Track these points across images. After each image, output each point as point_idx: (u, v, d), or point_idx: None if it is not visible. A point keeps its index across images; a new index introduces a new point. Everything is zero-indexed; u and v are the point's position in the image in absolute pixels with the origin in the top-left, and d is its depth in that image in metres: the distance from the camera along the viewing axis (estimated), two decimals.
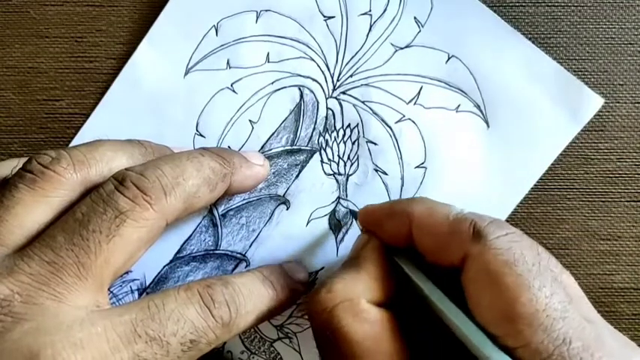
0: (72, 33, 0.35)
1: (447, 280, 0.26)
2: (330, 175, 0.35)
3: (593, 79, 0.35)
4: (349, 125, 0.35)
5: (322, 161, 0.35)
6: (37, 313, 0.24)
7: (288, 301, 0.31)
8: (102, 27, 0.35)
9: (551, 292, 0.23)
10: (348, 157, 0.35)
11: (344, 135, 0.35)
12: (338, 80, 0.35)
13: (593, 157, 0.35)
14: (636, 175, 0.35)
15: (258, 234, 0.35)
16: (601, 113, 0.34)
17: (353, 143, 0.35)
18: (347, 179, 0.35)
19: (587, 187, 0.35)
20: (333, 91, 0.35)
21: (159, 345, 0.25)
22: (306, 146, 0.35)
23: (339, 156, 0.35)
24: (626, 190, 0.35)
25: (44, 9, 0.35)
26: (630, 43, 0.35)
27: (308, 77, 0.35)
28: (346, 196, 0.35)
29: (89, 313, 0.25)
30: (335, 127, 0.35)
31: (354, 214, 0.34)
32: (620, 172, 0.35)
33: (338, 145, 0.35)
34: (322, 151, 0.35)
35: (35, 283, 0.25)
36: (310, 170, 0.35)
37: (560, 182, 0.35)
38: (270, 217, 0.35)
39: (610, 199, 0.35)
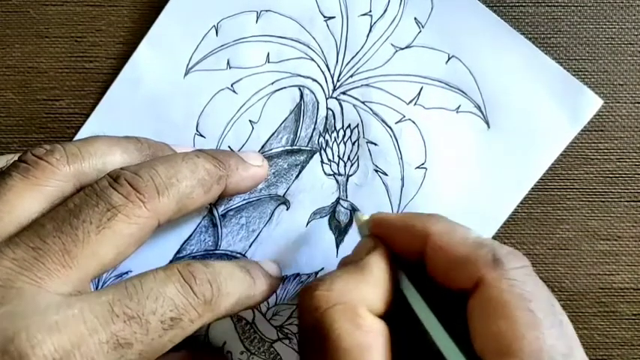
0: (72, 33, 0.35)
1: (450, 302, 0.25)
2: (330, 175, 0.35)
3: (593, 79, 0.35)
4: (349, 126, 0.35)
5: (322, 162, 0.35)
6: (14, 296, 0.24)
7: (264, 292, 0.30)
8: (102, 27, 0.35)
9: (558, 335, 0.23)
10: (348, 158, 0.35)
11: (344, 135, 0.35)
12: (338, 80, 0.35)
13: (593, 157, 0.35)
14: (636, 175, 0.35)
15: (258, 234, 0.35)
16: (601, 113, 0.34)
17: (353, 144, 0.35)
18: (347, 180, 0.35)
19: (587, 187, 0.35)
20: (333, 92, 0.35)
21: (138, 324, 0.24)
22: (306, 146, 0.35)
23: (339, 156, 0.35)
24: (626, 190, 0.35)
25: (44, 9, 0.35)
26: (630, 43, 0.35)
27: (308, 77, 0.35)
28: (346, 197, 0.35)
29: (67, 297, 0.25)
30: (335, 127, 0.35)
31: (354, 211, 0.34)
32: (620, 172, 0.35)
33: (338, 145, 0.35)
34: (322, 152, 0.35)
35: (17, 267, 0.24)
36: (310, 170, 0.35)
37: (560, 182, 0.35)
38: (270, 218, 0.35)
39: (610, 199, 0.35)
